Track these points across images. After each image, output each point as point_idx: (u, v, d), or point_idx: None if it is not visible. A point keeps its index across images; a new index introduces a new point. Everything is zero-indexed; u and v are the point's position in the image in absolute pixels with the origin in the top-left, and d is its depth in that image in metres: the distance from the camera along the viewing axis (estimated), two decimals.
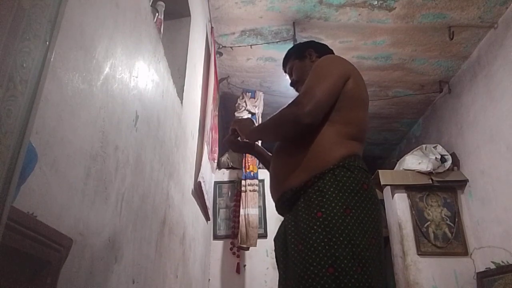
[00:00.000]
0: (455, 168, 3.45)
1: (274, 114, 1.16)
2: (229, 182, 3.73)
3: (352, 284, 0.89)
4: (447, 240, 3.23)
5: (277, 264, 1.14)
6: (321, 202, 0.99)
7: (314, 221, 0.98)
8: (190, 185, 2.25)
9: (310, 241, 0.95)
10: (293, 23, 2.98)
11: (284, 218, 1.13)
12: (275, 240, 1.18)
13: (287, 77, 1.47)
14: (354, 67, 1.22)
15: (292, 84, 1.43)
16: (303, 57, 1.40)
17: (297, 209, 1.04)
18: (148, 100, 1.37)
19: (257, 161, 3.54)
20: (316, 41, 1.48)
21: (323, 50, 1.40)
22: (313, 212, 0.99)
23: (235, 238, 3.41)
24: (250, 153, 1.54)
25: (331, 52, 1.42)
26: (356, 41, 3.18)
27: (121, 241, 1.11)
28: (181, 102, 1.94)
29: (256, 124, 1.32)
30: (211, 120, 2.85)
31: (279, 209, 1.19)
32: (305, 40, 3.03)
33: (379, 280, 0.95)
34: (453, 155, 3.50)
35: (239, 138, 1.40)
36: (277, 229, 1.19)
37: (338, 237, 0.94)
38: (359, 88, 1.17)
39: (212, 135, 2.94)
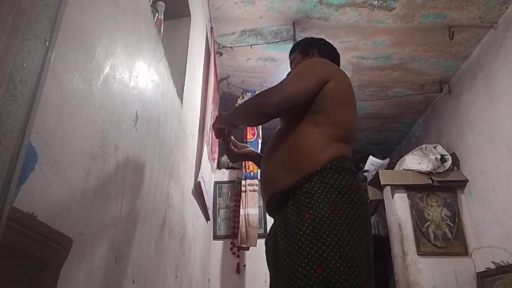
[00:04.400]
0: (455, 168, 3.45)
1: (246, 100, 1.22)
2: (229, 182, 3.73)
3: (340, 284, 0.90)
4: (447, 240, 3.23)
5: (268, 266, 1.16)
6: (309, 203, 1.01)
7: (302, 223, 0.99)
8: (190, 185, 2.25)
9: (298, 242, 0.97)
10: (293, 23, 2.98)
11: (274, 220, 1.14)
12: (266, 242, 1.20)
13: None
14: (337, 70, 1.25)
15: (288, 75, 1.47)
16: (306, 54, 1.44)
17: (286, 210, 1.05)
18: (148, 100, 1.37)
19: None
20: (326, 40, 1.50)
21: (327, 52, 1.42)
22: (301, 213, 1.00)
23: (235, 238, 3.41)
24: (247, 160, 1.57)
25: (336, 56, 1.45)
26: (356, 41, 3.18)
27: (121, 241, 1.11)
28: (181, 102, 1.94)
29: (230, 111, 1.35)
30: (211, 120, 2.85)
31: (269, 210, 1.20)
32: None
33: (367, 280, 0.96)
34: (453, 155, 3.50)
35: (231, 146, 1.43)
36: None
37: (326, 238, 0.95)
38: (342, 90, 1.19)
39: (212, 135, 2.94)
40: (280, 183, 1.10)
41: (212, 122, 1.37)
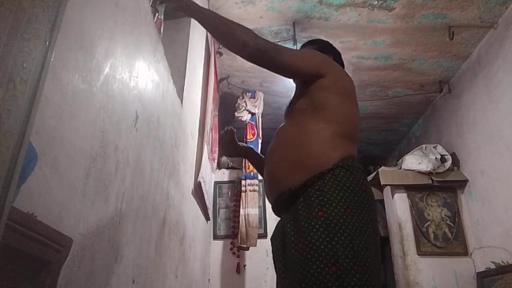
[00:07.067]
0: (455, 168, 3.45)
1: (235, 23, 1.19)
2: (229, 182, 3.73)
3: (354, 283, 0.89)
4: (447, 240, 3.23)
5: (275, 264, 1.14)
6: (322, 201, 1.00)
7: (315, 220, 0.98)
8: (190, 185, 2.25)
9: (312, 240, 0.96)
10: (293, 23, 2.98)
11: (282, 218, 1.13)
12: (272, 239, 1.18)
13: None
14: (339, 70, 1.26)
15: None
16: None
17: (296, 208, 1.04)
18: (148, 100, 1.37)
19: None
20: (341, 55, 1.51)
21: (338, 63, 1.42)
22: (313, 211, 1.00)
23: (235, 238, 3.41)
24: (243, 157, 1.55)
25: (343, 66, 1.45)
26: (356, 41, 3.18)
27: (121, 241, 1.11)
28: (181, 102, 1.94)
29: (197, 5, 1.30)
30: (211, 120, 2.85)
31: (276, 209, 1.19)
32: (305, 40, 3.04)
33: (378, 279, 0.96)
34: (453, 155, 3.50)
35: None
36: None
37: (339, 236, 0.95)
38: (344, 88, 1.21)
39: (212, 135, 2.94)
40: (289, 181, 1.09)
41: None
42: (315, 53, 1.27)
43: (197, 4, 1.28)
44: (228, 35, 1.19)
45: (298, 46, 3.01)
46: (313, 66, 1.19)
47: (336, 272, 0.90)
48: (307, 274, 0.92)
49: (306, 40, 1.56)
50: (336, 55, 1.46)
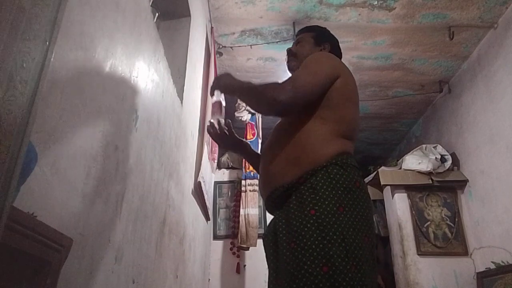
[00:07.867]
0: (455, 168, 3.45)
1: (261, 84, 1.15)
2: (229, 182, 3.74)
3: (346, 283, 0.88)
4: (447, 240, 3.23)
5: (267, 262, 1.12)
6: (314, 199, 0.98)
7: (307, 219, 0.96)
8: (190, 185, 2.25)
9: (303, 239, 0.94)
10: (293, 23, 2.98)
11: (274, 216, 1.12)
12: (264, 237, 1.16)
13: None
14: (345, 67, 1.24)
15: (288, 51, 1.45)
16: (318, 44, 1.40)
17: (288, 206, 1.03)
18: (148, 100, 1.37)
19: None
20: (338, 42, 1.48)
21: (336, 52, 1.40)
22: (305, 209, 0.98)
23: (235, 238, 3.41)
24: (238, 153, 1.51)
25: (340, 58, 1.43)
26: (356, 41, 3.18)
27: (121, 241, 1.11)
28: (181, 102, 1.94)
29: (236, 82, 1.24)
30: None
31: (269, 206, 1.17)
32: None
33: (372, 279, 0.94)
34: (453, 155, 3.50)
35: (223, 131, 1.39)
36: None
37: (331, 235, 0.93)
38: (349, 87, 1.19)
39: None
40: (283, 178, 1.07)
41: (214, 81, 1.26)
42: (323, 62, 1.20)
43: (234, 80, 1.23)
44: (255, 103, 1.20)
45: None
46: (328, 76, 1.15)
47: (328, 272, 0.89)
48: (298, 275, 0.91)
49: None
50: (334, 43, 1.44)
